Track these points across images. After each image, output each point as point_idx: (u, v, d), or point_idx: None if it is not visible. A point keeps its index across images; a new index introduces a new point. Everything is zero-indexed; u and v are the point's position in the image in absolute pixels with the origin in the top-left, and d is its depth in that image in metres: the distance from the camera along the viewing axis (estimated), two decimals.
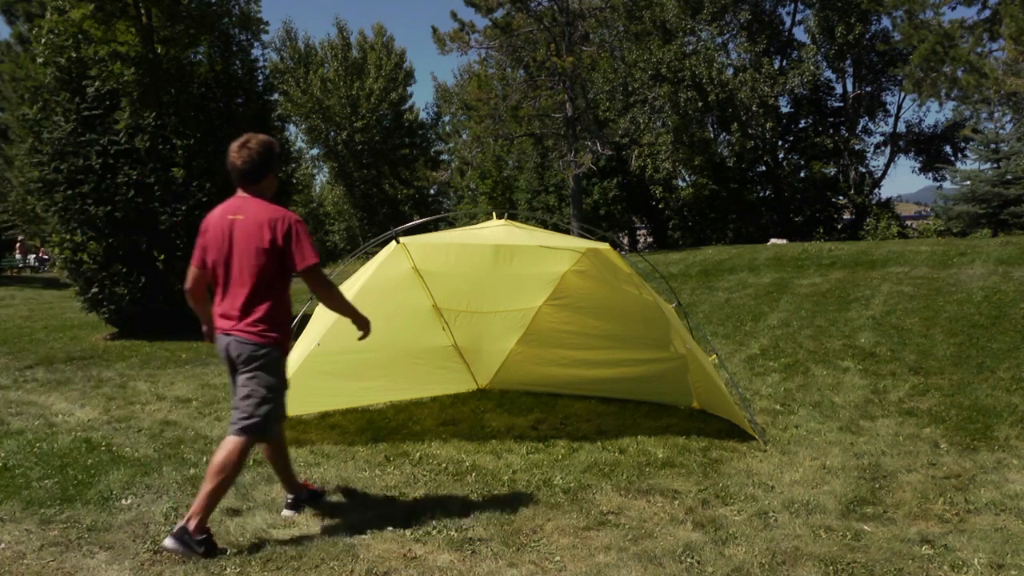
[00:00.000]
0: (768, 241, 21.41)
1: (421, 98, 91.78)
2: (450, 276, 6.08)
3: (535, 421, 5.95)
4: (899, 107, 30.38)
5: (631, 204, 28.36)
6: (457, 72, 57.61)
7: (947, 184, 27.62)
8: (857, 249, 15.18)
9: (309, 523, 3.89)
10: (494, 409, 6.30)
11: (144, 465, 4.81)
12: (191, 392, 7.10)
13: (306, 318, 5.63)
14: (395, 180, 36.17)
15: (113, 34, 10.37)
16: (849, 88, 29.05)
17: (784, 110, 28.53)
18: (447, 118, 40.07)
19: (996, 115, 21.85)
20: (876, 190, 29.63)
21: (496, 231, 5.66)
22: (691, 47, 26.39)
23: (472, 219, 24.23)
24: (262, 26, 11.88)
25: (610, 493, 4.30)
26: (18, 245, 30.75)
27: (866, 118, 29.31)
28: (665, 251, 22.40)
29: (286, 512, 4.00)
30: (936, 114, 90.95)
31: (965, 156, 28.09)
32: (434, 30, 21.74)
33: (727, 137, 28.50)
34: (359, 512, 4.01)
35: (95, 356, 9.35)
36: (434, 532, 3.76)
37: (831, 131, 28.61)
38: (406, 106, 37.10)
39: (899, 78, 24.21)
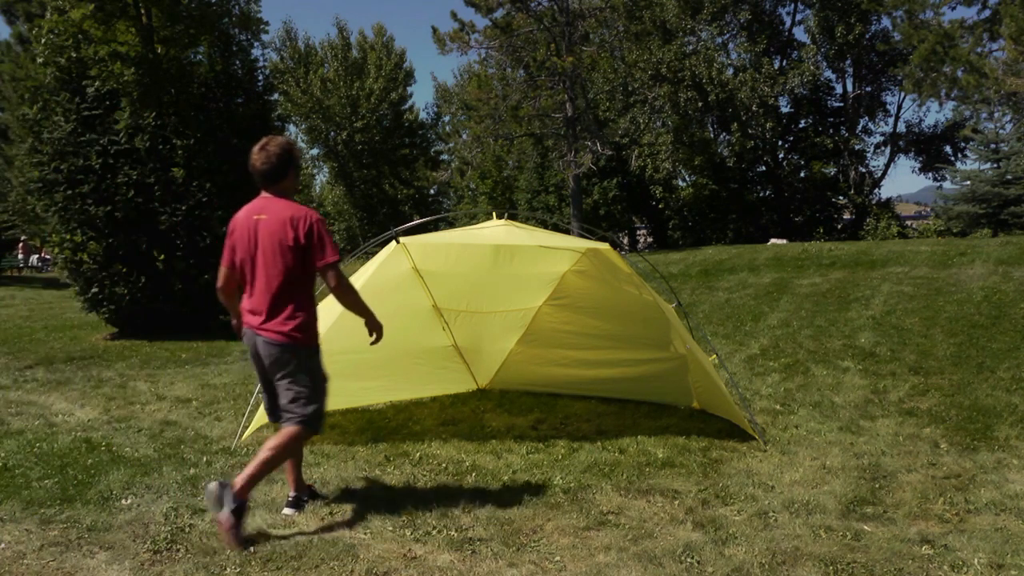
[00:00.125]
0: (768, 241, 21.41)
1: (421, 98, 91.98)
2: (450, 276, 6.08)
3: (535, 421, 5.95)
4: (899, 107, 30.47)
5: (631, 204, 28.35)
6: (457, 72, 57.67)
7: (947, 184, 27.66)
8: (857, 249, 15.19)
9: (309, 523, 3.89)
10: (494, 409, 6.30)
11: (144, 465, 4.81)
12: (191, 392, 7.10)
13: None
14: (395, 180, 36.16)
15: (113, 34, 10.38)
16: (849, 88, 29.06)
17: (784, 110, 28.55)
18: (447, 118, 40.08)
19: (996, 115, 21.88)
20: (876, 190, 29.65)
21: (496, 231, 5.65)
22: (691, 47, 26.40)
23: (472, 219, 24.23)
24: (262, 26, 11.88)
25: (610, 493, 4.30)
26: (21, 246, 30.77)
27: (866, 118, 29.32)
28: (665, 251, 22.40)
29: (287, 511, 4.01)
30: (936, 114, 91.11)
31: (965, 156, 28.12)
32: (434, 30, 21.75)
33: (727, 137, 28.49)
34: (359, 512, 4.01)
35: (95, 356, 9.35)
36: (434, 532, 3.76)
37: (831, 131, 28.61)
38: (406, 106, 37.10)
39: (899, 78, 24.20)
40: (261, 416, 5.40)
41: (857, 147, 28.72)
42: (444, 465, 4.83)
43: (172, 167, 10.51)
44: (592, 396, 6.49)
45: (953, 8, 28.30)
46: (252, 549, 3.53)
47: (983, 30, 16.74)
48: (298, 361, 3.76)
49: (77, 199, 10.46)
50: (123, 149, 10.52)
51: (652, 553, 3.50)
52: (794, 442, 5.21)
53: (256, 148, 3.84)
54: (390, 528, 3.81)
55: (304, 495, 4.10)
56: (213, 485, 3.60)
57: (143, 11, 10.63)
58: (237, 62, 11.69)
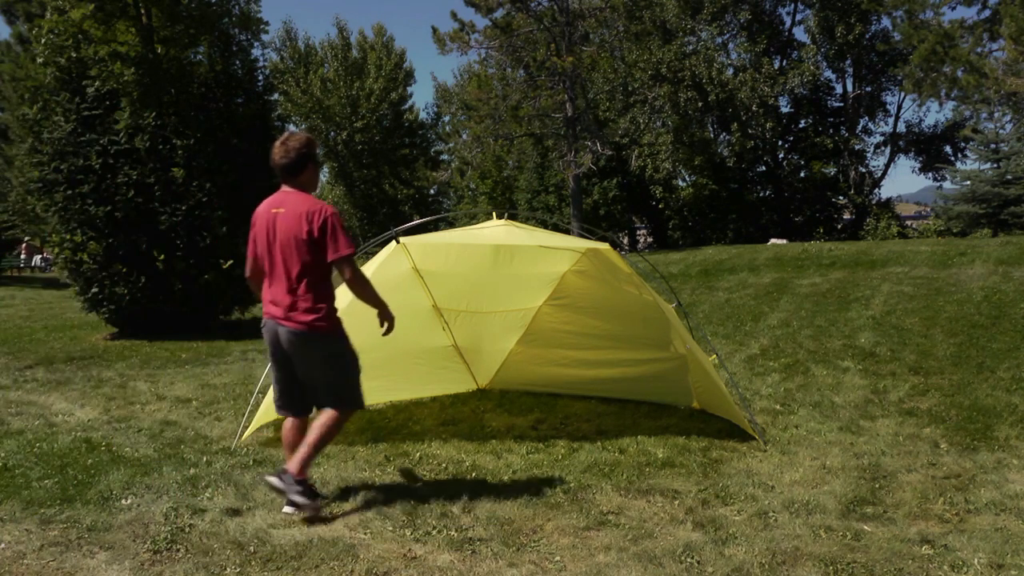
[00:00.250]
0: (768, 241, 21.42)
1: (421, 98, 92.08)
2: (450, 276, 6.08)
3: (535, 421, 5.95)
4: (899, 107, 30.49)
5: (631, 204, 28.37)
6: (457, 72, 57.66)
7: (947, 184, 27.67)
8: (857, 249, 15.19)
9: (309, 523, 3.89)
10: (494, 409, 6.30)
11: (144, 465, 4.81)
12: (191, 392, 7.10)
13: None
14: (395, 180, 36.15)
15: (113, 34, 10.38)
16: (849, 88, 29.07)
17: (784, 110, 28.56)
18: (447, 118, 40.06)
19: (996, 115, 21.88)
20: (876, 190, 29.66)
21: (496, 231, 5.65)
22: (691, 47, 26.42)
23: (472, 219, 24.23)
24: (262, 26, 11.88)
25: (610, 493, 4.30)
26: (24, 247, 30.81)
27: (866, 118, 29.33)
28: (665, 251, 22.40)
29: (287, 509, 4.01)
30: (936, 114, 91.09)
31: (965, 156, 28.13)
32: (434, 30, 21.76)
33: (727, 137, 28.50)
34: (359, 512, 4.01)
35: (95, 356, 9.35)
36: (434, 532, 3.76)
37: (831, 131, 28.62)
38: (406, 106, 37.09)
39: (899, 78, 24.22)
40: (261, 416, 5.41)
41: (857, 147, 28.73)
42: (444, 465, 4.83)
43: (172, 167, 10.51)
44: (592, 396, 6.49)
45: (953, 8, 28.33)
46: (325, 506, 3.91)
47: (983, 30, 16.75)
48: (326, 348, 3.94)
49: (77, 199, 10.46)
50: (123, 149, 10.52)
51: (652, 553, 3.50)
52: (794, 442, 5.21)
53: (277, 143, 4.00)
54: (390, 528, 3.81)
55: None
56: (272, 478, 3.86)
57: (143, 11, 10.63)
58: (237, 62, 11.69)
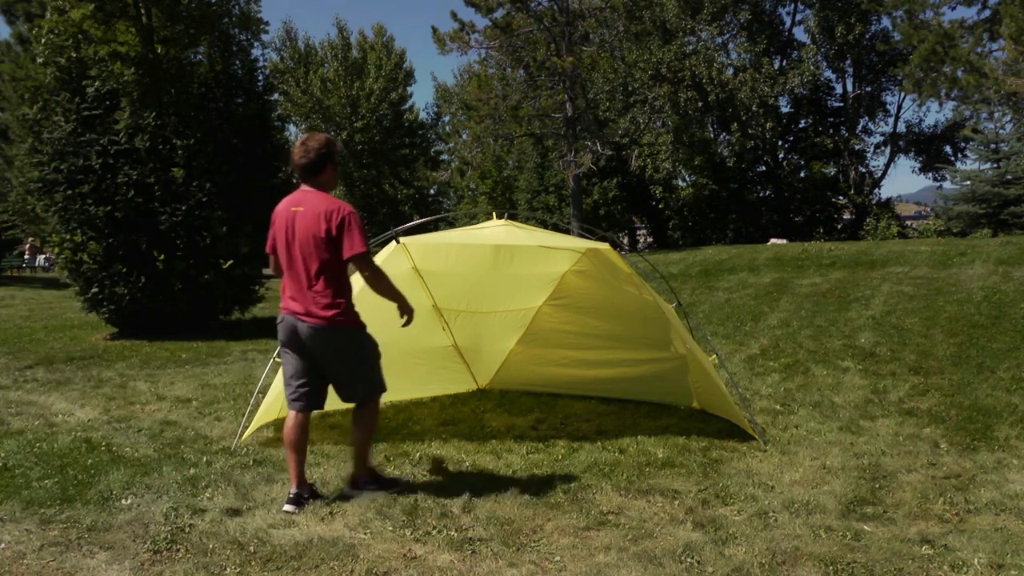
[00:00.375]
0: (768, 241, 21.42)
1: (421, 98, 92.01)
2: (450, 276, 6.08)
3: (535, 421, 5.95)
4: (899, 107, 30.45)
5: (631, 204, 28.37)
6: (457, 72, 57.59)
7: (947, 184, 27.69)
8: (857, 249, 15.19)
9: (309, 523, 3.89)
10: (494, 409, 6.30)
11: (144, 465, 4.81)
12: (191, 392, 7.10)
13: None
14: (395, 180, 36.15)
15: (113, 34, 10.38)
16: (849, 88, 29.07)
17: (784, 110, 28.56)
18: (447, 118, 40.08)
19: (996, 115, 21.88)
20: (876, 190, 29.67)
21: (496, 231, 5.65)
22: (691, 47, 26.42)
23: (472, 219, 24.22)
24: (262, 26, 11.88)
25: (610, 493, 4.30)
26: (27, 247, 30.83)
27: (866, 118, 29.33)
28: (665, 251, 22.41)
29: (287, 507, 4.01)
30: (936, 114, 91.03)
31: (965, 156, 28.15)
32: (434, 30, 21.76)
33: (727, 137, 28.51)
34: (359, 512, 4.01)
35: (95, 356, 9.35)
36: (434, 532, 3.76)
37: (831, 131, 28.62)
38: (406, 106, 37.09)
39: (899, 78, 24.20)
40: (261, 416, 5.41)
41: (857, 147, 28.74)
42: (444, 465, 4.83)
43: (172, 167, 10.51)
44: (592, 396, 6.48)
45: (953, 8, 28.31)
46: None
47: (983, 30, 16.76)
48: (348, 341, 4.08)
49: (77, 199, 10.46)
50: (123, 149, 10.52)
51: (652, 553, 3.50)
52: (794, 442, 5.21)
53: (297, 143, 4.11)
54: (390, 528, 3.81)
55: (305, 492, 4.12)
56: (348, 489, 4.19)
57: (143, 11, 10.63)
58: (237, 62, 11.69)
